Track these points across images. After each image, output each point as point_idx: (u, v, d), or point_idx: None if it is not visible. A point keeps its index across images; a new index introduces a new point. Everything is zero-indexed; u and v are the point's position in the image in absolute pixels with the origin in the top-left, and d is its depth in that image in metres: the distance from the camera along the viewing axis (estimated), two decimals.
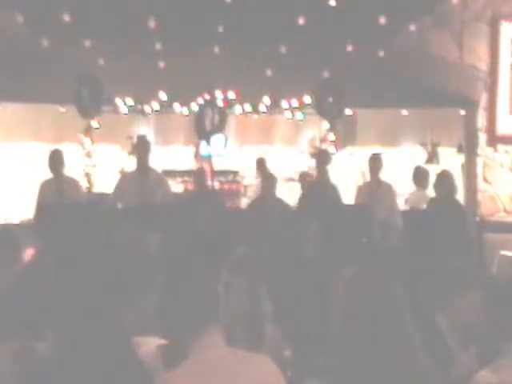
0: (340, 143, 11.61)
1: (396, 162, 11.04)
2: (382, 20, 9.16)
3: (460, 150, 11.52)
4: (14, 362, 3.07)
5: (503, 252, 8.48)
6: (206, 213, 8.07)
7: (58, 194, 7.81)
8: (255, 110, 11.50)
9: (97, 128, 10.72)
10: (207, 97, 11.03)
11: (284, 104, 11.40)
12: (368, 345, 2.56)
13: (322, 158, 9.06)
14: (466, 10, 10.62)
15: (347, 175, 11.22)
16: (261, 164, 11.08)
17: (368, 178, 9.22)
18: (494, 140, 10.84)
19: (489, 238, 9.36)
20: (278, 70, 10.38)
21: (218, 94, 10.99)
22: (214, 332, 2.48)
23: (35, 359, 3.07)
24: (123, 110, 11.24)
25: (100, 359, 2.84)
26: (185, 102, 11.22)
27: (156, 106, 11.22)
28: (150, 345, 2.83)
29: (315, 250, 4.87)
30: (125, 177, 8.24)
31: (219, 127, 11.28)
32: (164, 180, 8.32)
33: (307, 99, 11.17)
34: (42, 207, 7.70)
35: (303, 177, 10.75)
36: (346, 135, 12.41)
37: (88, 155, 10.80)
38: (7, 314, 3.39)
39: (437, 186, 7.49)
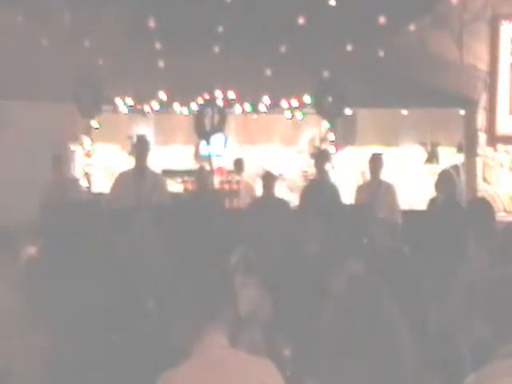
0: (340, 143, 11.61)
1: (396, 162, 11.03)
2: (382, 20, 9.15)
3: (460, 149, 11.52)
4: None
5: None
6: (207, 213, 8.06)
7: (60, 194, 7.81)
8: (255, 110, 11.49)
9: (97, 128, 10.72)
10: (207, 97, 11.03)
11: (284, 104, 11.39)
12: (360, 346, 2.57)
13: (321, 157, 9.06)
14: (466, 10, 10.62)
15: (347, 175, 11.21)
16: (239, 165, 11.06)
17: (368, 177, 9.22)
18: (493, 140, 10.83)
19: None
20: (278, 69, 10.38)
21: (218, 94, 10.99)
22: (217, 332, 2.48)
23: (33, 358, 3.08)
24: (123, 110, 11.24)
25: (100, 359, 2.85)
26: (185, 102, 11.22)
27: (156, 106, 11.22)
28: None
29: (318, 250, 4.87)
30: (121, 177, 8.18)
31: (219, 127, 11.27)
32: (161, 180, 8.29)
33: (307, 99, 11.17)
34: (43, 207, 7.69)
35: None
36: (346, 135, 12.41)
37: (88, 155, 10.80)
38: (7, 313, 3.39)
39: (438, 185, 7.49)
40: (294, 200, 9.55)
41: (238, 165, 11.12)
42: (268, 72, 10.44)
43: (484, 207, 5.21)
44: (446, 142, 11.95)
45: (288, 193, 10.91)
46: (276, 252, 4.86)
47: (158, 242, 5.46)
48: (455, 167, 10.51)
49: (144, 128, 11.96)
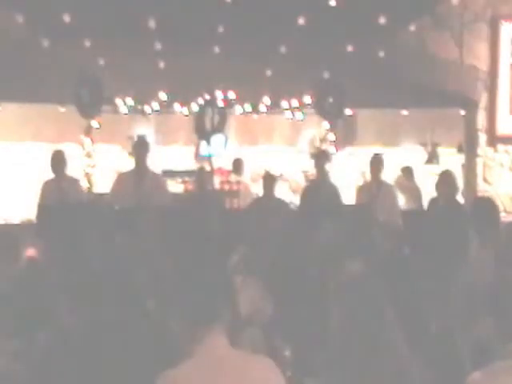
0: (340, 143, 11.61)
1: (396, 162, 11.03)
2: (382, 20, 9.15)
3: (460, 150, 11.53)
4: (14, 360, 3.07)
5: None
6: (207, 213, 8.07)
7: (60, 194, 7.78)
8: (255, 110, 11.49)
9: (97, 128, 10.72)
10: (207, 97, 11.03)
11: (284, 104, 11.39)
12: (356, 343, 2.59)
13: (321, 158, 9.05)
14: (466, 11, 10.62)
15: (347, 175, 11.21)
16: (238, 165, 10.97)
17: (368, 178, 9.21)
18: (493, 140, 10.84)
19: None
20: (278, 69, 10.38)
21: (218, 94, 10.99)
22: (218, 332, 2.48)
23: (33, 358, 3.08)
24: (123, 110, 11.23)
25: (99, 359, 2.84)
26: (185, 102, 11.22)
27: (156, 106, 11.22)
28: None
29: (318, 250, 4.87)
30: (122, 177, 8.16)
31: (219, 127, 11.28)
32: (161, 181, 8.27)
33: (307, 99, 11.17)
34: (43, 207, 7.68)
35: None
36: (346, 135, 12.41)
37: (88, 155, 10.80)
38: (7, 313, 3.39)
39: (439, 186, 7.47)
40: (295, 201, 9.56)
41: (237, 165, 11.07)
42: (268, 72, 10.45)
43: (489, 207, 5.20)
44: (446, 142, 11.95)
45: (290, 194, 10.90)
46: (276, 252, 4.86)
47: (158, 242, 5.47)
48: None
49: (144, 128, 11.96)
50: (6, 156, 11.87)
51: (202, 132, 11.25)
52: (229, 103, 11.14)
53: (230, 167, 11.45)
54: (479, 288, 3.87)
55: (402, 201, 9.80)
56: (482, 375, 2.62)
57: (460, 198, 8.81)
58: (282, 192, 10.09)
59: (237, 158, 11.13)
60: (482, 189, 10.77)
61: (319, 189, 8.66)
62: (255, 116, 11.89)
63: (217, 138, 11.49)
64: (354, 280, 2.93)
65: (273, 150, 12.86)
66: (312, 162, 9.90)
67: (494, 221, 5.05)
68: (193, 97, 11.06)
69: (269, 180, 8.49)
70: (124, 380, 2.95)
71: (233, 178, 11.08)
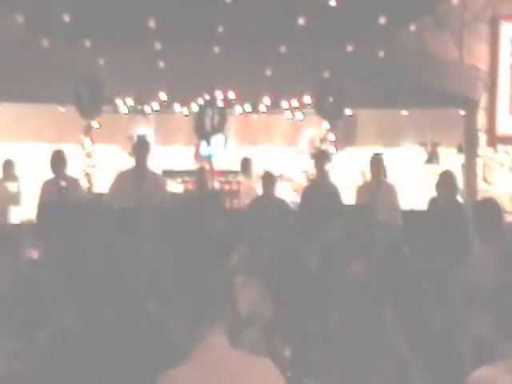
0: (340, 143, 11.61)
1: (396, 163, 11.03)
2: (382, 20, 9.15)
3: (460, 150, 11.53)
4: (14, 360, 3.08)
5: None
6: (207, 213, 8.06)
7: (60, 194, 7.78)
8: (255, 110, 11.49)
9: (97, 128, 10.72)
10: (207, 97, 11.03)
11: (284, 104, 11.39)
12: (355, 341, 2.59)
13: (321, 158, 9.05)
14: (466, 10, 10.62)
15: (347, 175, 11.21)
16: (246, 165, 10.89)
17: (368, 178, 9.21)
18: (494, 140, 10.84)
19: None
20: (278, 69, 10.38)
21: (218, 94, 10.99)
22: (218, 332, 2.48)
23: (33, 358, 3.08)
24: (123, 110, 11.23)
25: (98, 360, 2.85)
26: (185, 102, 11.23)
27: (156, 106, 11.22)
28: None
29: (319, 250, 4.87)
30: (121, 176, 8.16)
31: (219, 127, 11.28)
32: (161, 181, 8.27)
33: (307, 99, 11.17)
34: (43, 207, 7.67)
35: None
36: (346, 135, 12.40)
37: (88, 155, 10.80)
38: (7, 313, 3.39)
39: (439, 186, 7.47)
40: (295, 201, 9.56)
41: (245, 165, 10.94)
42: (268, 72, 10.45)
43: (491, 207, 5.20)
44: (446, 142, 11.95)
45: (290, 194, 10.88)
46: (276, 252, 4.86)
47: (158, 242, 5.46)
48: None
49: (144, 128, 11.96)
50: (6, 156, 11.85)
51: (202, 132, 11.25)
52: (229, 103, 11.14)
53: (229, 168, 11.45)
54: (479, 288, 3.88)
55: None
56: (482, 375, 2.63)
57: (460, 198, 8.81)
58: (282, 192, 10.08)
59: (245, 157, 10.99)
60: (482, 189, 10.77)
61: (319, 189, 8.66)
62: (255, 116, 11.89)
63: (217, 138, 11.49)
64: (354, 280, 2.94)
65: (273, 150, 12.86)
66: (312, 161, 9.90)
67: (496, 221, 5.05)
68: (193, 97, 11.07)
69: (269, 180, 8.48)
70: (124, 380, 2.95)
71: (234, 177, 11.08)
